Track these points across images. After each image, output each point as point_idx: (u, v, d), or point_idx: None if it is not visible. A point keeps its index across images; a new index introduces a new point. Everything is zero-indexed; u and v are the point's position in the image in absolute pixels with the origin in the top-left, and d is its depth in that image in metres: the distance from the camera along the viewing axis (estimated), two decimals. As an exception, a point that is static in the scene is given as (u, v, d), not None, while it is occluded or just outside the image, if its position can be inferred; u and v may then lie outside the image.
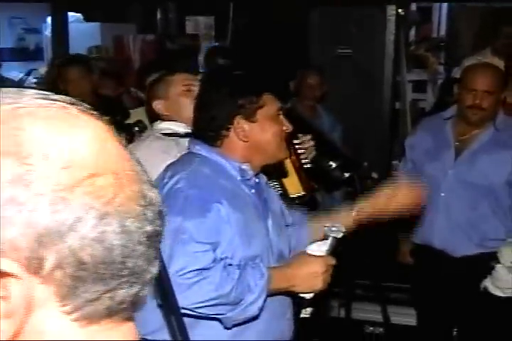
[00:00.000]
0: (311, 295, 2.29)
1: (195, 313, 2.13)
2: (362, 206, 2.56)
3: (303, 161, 3.28)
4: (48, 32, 8.41)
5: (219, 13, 7.54)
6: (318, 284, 2.24)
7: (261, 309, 2.17)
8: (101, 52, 6.94)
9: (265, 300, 2.17)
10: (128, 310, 0.69)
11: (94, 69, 4.67)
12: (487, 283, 3.42)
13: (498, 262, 3.37)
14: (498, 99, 3.50)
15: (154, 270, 0.70)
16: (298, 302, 2.39)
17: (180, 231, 2.09)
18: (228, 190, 2.25)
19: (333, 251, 2.34)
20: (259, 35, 6.83)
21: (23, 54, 7.60)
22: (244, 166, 2.31)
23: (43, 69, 4.32)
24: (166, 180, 2.20)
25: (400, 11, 6.02)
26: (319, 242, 2.34)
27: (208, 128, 2.32)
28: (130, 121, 3.80)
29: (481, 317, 3.53)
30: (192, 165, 2.26)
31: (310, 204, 3.72)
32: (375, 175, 4.15)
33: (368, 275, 4.54)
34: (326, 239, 2.33)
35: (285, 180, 3.25)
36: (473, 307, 3.55)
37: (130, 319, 0.70)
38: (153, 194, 0.70)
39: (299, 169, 3.25)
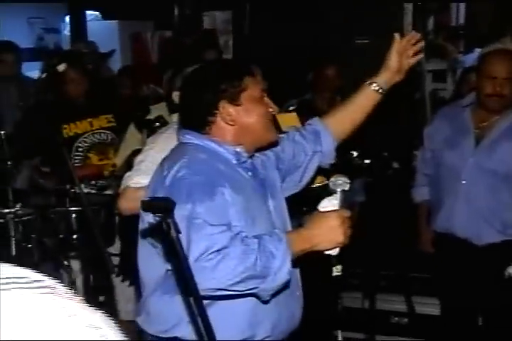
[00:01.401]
0: (337, 250, 2.28)
1: (230, 292, 2.12)
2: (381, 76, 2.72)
3: None
4: (66, 31, 8.49)
5: (236, 8, 7.55)
6: (339, 237, 2.22)
7: (290, 273, 2.16)
8: (89, 48, 6.95)
9: (292, 264, 2.16)
10: None
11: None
12: (511, 270, 3.42)
13: (522, 249, 3.37)
14: (516, 85, 3.48)
15: None
16: (327, 262, 2.37)
17: (193, 217, 2.09)
18: (227, 175, 2.28)
19: (344, 205, 2.37)
20: (277, 29, 6.83)
21: (42, 53, 7.67)
22: (238, 149, 2.34)
23: (62, 67, 4.32)
24: (165, 172, 2.22)
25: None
26: (328, 198, 2.37)
27: (194, 116, 2.36)
28: (151, 117, 3.82)
29: (507, 304, 3.52)
30: (188, 153, 2.28)
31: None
32: (395, 165, 4.14)
33: (391, 265, 4.54)
34: (335, 193, 2.38)
35: None
36: (498, 294, 3.54)
37: None
38: None
39: None
